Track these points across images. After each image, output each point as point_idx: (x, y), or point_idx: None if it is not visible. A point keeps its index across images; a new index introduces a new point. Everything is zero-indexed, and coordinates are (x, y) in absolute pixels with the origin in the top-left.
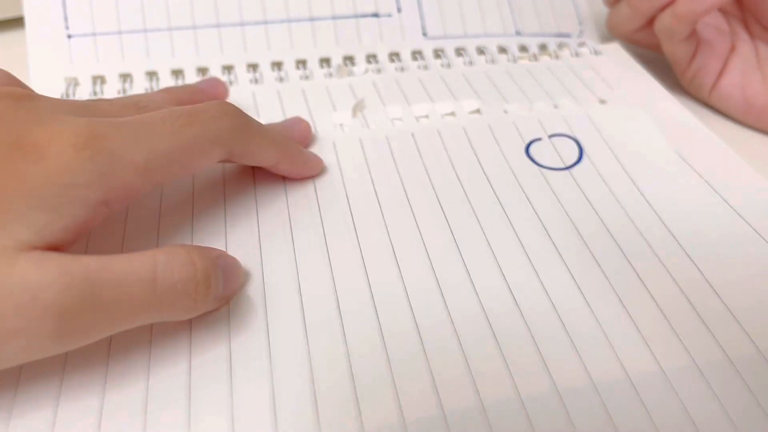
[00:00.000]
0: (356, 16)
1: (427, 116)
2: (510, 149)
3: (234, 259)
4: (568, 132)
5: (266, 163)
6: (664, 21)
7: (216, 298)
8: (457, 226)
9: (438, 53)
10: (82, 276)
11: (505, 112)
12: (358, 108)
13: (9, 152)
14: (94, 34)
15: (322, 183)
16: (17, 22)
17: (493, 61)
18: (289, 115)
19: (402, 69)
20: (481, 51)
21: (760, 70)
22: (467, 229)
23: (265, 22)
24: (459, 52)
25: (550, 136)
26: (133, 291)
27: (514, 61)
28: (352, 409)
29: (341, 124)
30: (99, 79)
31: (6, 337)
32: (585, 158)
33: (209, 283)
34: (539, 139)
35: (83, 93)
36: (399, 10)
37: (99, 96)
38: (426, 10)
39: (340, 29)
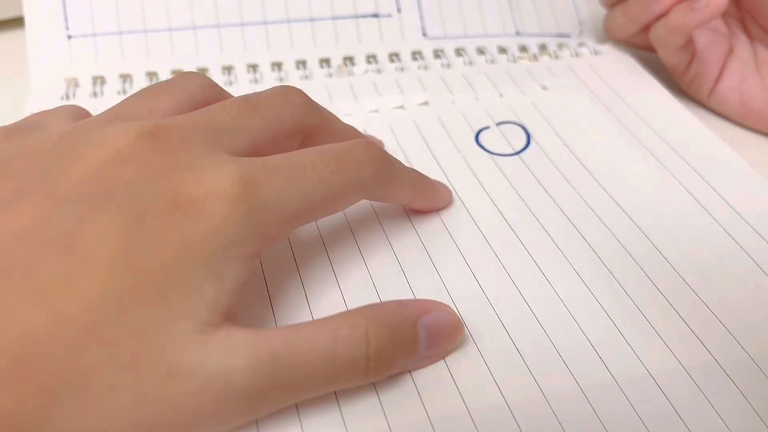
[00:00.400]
0: (356, 17)
1: (377, 111)
2: (460, 138)
3: (452, 316)
4: (514, 119)
5: (400, 202)
6: (657, 31)
7: (412, 363)
8: (418, 221)
9: (438, 53)
10: (268, 356)
11: (453, 102)
12: None
13: (170, 212)
14: (94, 35)
15: None
16: (17, 22)
17: (492, 62)
18: None
19: (402, 69)
20: (480, 51)
21: (759, 73)
22: (429, 224)
23: (265, 23)
24: (459, 52)
25: (498, 124)
26: (315, 369)
27: (514, 61)
28: None
29: None
30: (99, 80)
31: (201, 419)
32: (533, 143)
33: (382, 359)
34: (488, 128)
35: (83, 93)
36: (399, 10)
37: (99, 96)
38: (426, 10)
39: (340, 29)
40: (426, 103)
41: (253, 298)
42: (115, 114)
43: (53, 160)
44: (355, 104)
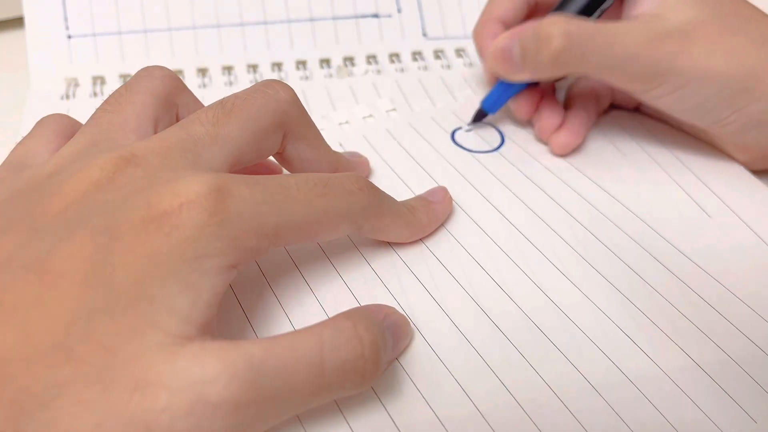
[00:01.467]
0: (356, 17)
1: (347, 122)
2: (436, 140)
3: (402, 317)
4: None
5: (395, 239)
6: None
7: (385, 365)
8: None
9: (438, 54)
10: (245, 366)
11: (420, 108)
12: None
13: (142, 226)
14: (94, 35)
15: None
16: (17, 22)
17: None
18: None
19: (402, 70)
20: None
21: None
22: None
23: (265, 23)
24: (459, 53)
25: (470, 124)
26: (300, 377)
27: None
28: None
29: None
30: (99, 80)
31: None
32: (507, 140)
33: (378, 356)
34: (460, 128)
35: (83, 93)
36: (399, 10)
37: (99, 96)
38: (426, 10)
39: (340, 30)
40: (394, 110)
41: (228, 315)
42: (89, 139)
43: (36, 198)
44: (324, 119)
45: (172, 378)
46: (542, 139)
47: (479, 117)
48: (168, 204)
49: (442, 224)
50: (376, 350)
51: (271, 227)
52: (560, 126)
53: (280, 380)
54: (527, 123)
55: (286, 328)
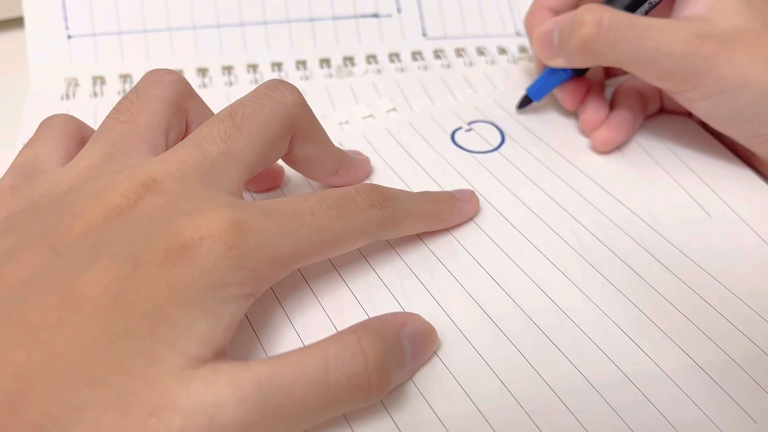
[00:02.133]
0: (356, 17)
1: (347, 122)
2: (436, 140)
3: (426, 324)
4: (483, 118)
5: (414, 233)
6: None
7: (403, 375)
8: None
9: (438, 54)
10: (253, 386)
11: (419, 107)
12: None
13: (164, 257)
14: (93, 35)
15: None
16: (17, 22)
17: (492, 62)
18: None
19: (402, 69)
20: (481, 51)
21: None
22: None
23: (265, 23)
24: (459, 52)
25: (469, 123)
26: (306, 394)
27: (514, 61)
28: None
29: None
30: (99, 80)
31: None
32: (508, 139)
33: (383, 371)
34: (460, 128)
35: (83, 93)
36: (399, 10)
37: (99, 96)
38: (426, 10)
39: (340, 30)
40: (394, 110)
41: (238, 336)
42: (103, 152)
43: (55, 216)
44: (324, 119)
45: (186, 401)
46: (585, 132)
47: (524, 103)
48: (189, 236)
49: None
50: (381, 366)
51: (288, 257)
52: (604, 123)
53: (287, 398)
54: (572, 114)
55: (290, 335)
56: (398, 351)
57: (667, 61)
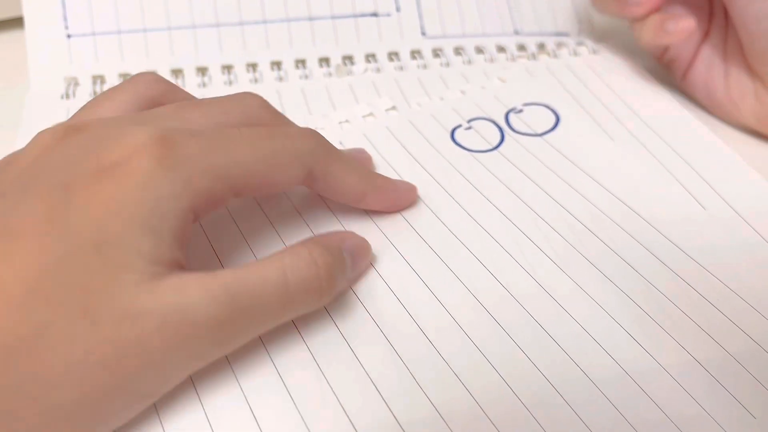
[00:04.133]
0: (355, 16)
1: (347, 120)
2: (436, 139)
3: (362, 239)
4: (483, 115)
5: (351, 192)
6: (636, 36)
7: (345, 282)
8: (420, 226)
9: (437, 52)
10: (222, 290)
11: (419, 105)
12: None
13: (95, 178)
14: (93, 34)
15: None
16: (17, 22)
17: (491, 60)
18: (290, 112)
19: (401, 68)
20: (479, 50)
21: (724, 62)
22: (429, 224)
23: (264, 22)
24: (458, 51)
25: (469, 121)
26: (270, 297)
27: (513, 60)
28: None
29: None
30: (99, 79)
31: (169, 354)
32: (507, 137)
33: (332, 277)
34: (460, 126)
35: (83, 93)
36: (398, 9)
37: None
38: (425, 9)
39: (339, 29)
40: (394, 108)
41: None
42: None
43: (2, 167)
44: (328, 116)
45: (157, 305)
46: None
47: None
48: (118, 155)
49: (444, 223)
50: (330, 272)
51: (222, 168)
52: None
53: (253, 299)
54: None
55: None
56: (341, 261)
57: None
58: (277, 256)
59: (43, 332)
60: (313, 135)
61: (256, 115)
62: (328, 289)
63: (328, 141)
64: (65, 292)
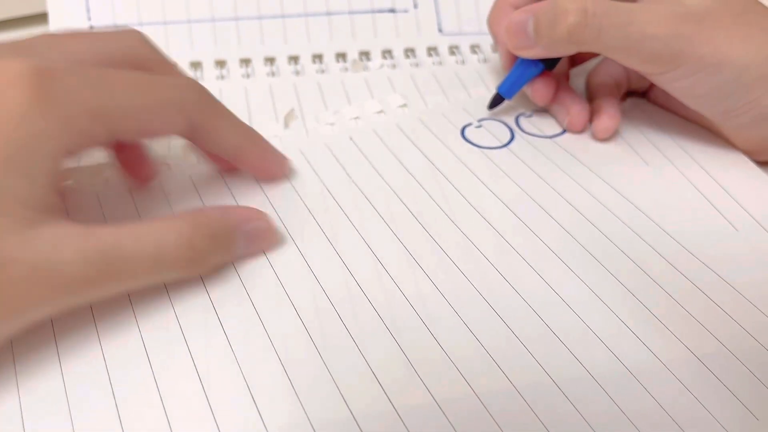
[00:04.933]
0: (373, 12)
1: (358, 117)
2: (446, 136)
3: (268, 225)
4: (494, 116)
5: (229, 147)
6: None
7: (225, 258)
8: (427, 220)
9: (453, 50)
10: (96, 253)
11: (429, 104)
12: (289, 118)
13: None
14: (114, 26)
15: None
16: (41, 18)
17: None
18: (306, 106)
19: (417, 65)
20: (496, 48)
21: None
22: (436, 219)
23: (283, 16)
24: (474, 48)
25: (479, 120)
26: (142, 266)
27: None
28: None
29: (277, 136)
30: None
31: (33, 302)
32: (517, 136)
33: (206, 252)
34: (470, 124)
35: None
36: (415, 5)
37: None
38: (442, 6)
39: (357, 24)
40: (405, 105)
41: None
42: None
43: None
44: (340, 112)
45: (30, 255)
46: (574, 131)
47: (496, 102)
48: None
49: (452, 221)
50: (201, 252)
51: (101, 107)
52: (596, 113)
53: (125, 266)
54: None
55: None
56: (227, 243)
57: (651, 44)
58: (156, 225)
59: None
60: (196, 86)
61: (138, 53)
62: (200, 264)
63: (210, 94)
64: None
